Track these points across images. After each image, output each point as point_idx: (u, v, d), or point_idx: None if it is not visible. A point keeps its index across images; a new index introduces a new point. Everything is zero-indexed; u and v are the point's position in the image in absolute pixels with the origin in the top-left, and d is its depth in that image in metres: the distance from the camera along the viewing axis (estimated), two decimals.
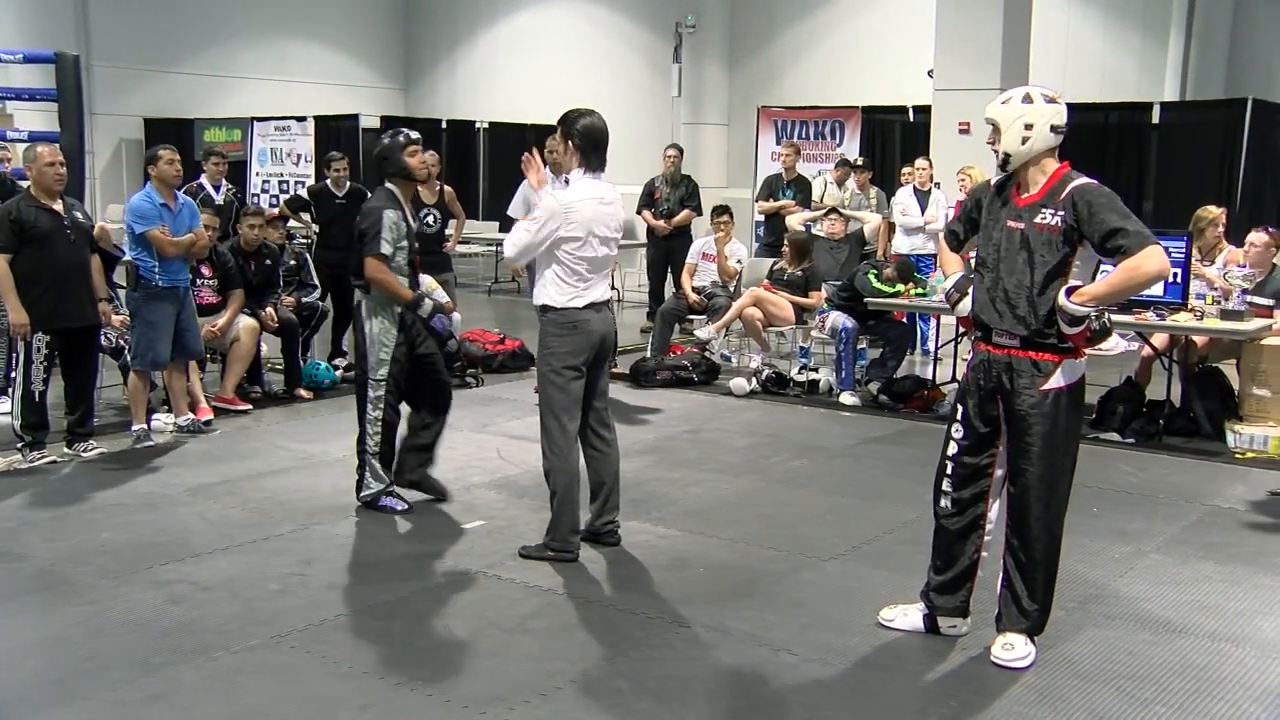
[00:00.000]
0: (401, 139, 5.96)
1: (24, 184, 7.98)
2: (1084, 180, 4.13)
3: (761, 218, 12.79)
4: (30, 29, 16.48)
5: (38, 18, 17.28)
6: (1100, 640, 4.47)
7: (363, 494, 5.89)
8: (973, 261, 4.43)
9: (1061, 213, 4.08)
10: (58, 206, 6.73)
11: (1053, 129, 4.11)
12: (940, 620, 4.48)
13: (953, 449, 4.39)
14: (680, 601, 4.80)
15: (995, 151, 4.20)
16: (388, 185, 5.93)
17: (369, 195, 9.98)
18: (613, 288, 5.59)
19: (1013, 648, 4.23)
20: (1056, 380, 4.15)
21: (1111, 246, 4.02)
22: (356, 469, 5.91)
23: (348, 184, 9.79)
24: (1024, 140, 4.09)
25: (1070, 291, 4.09)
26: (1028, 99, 4.14)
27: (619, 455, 5.44)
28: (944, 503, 4.40)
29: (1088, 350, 4.23)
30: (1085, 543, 5.57)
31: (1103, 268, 4.28)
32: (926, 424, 8.14)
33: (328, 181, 9.88)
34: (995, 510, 4.37)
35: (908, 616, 4.55)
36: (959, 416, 4.37)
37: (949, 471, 4.39)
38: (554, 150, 9.45)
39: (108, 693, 3.91)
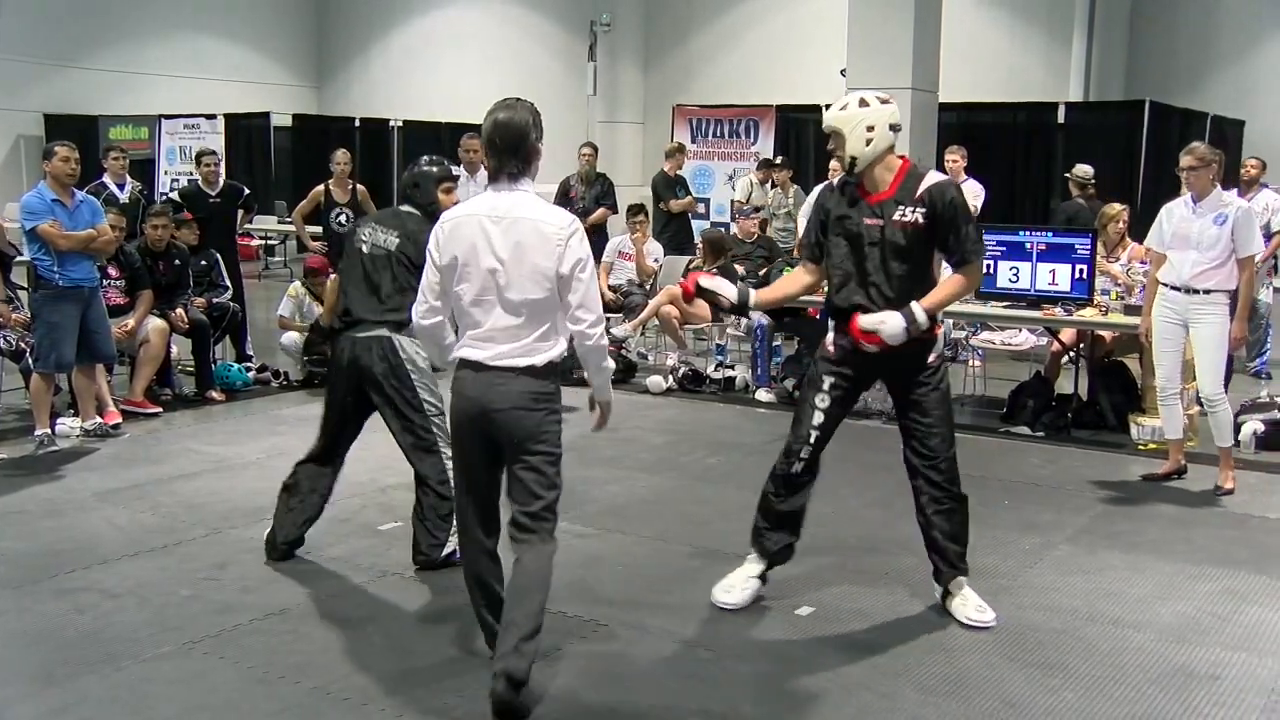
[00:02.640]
0: (437, 171, 5.18)
1: None
2: (938, 178, 4.41)
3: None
4: None
5: None
6: (1009, 630, 4.56)
7: (446, 551, 5.00)
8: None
9: (921, 209, 4.34)
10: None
11: (891, 127, 4.36)
12: (768, 575, 4.79)
13: (818, 418, 4.65)
14: (597, 600, 4.80)
15: (839, 157, 4.41)
16: (413, 211, 5.11)
17: (244, 191, 9.95)
18: (560, 367, 3.87)
19: (984, 609, 4.58)
20: (937, 349, 4.58)
21: (955, 249, 4.36)
22: (430, 530, 5.03)
23: (220, 181, 9.72)
24: (868, 142, 4.31)
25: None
26: (864, 103, 4.38)
27: (537, 571, 3.76)
28: (796, 467, 4.70)
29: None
30: (997, 535, 5.68)
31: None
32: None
33: (198, 180, 9.77)
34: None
35: (745, 590, 4.74)
36: (826, 388, 4.62)
37: (811, 440, 4.67)
38: (470, 149, 9.50)
39: (8, 708, 3.81)
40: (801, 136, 14.92)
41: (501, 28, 20.58)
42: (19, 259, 8.01)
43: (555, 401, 3.81)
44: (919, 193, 4.35)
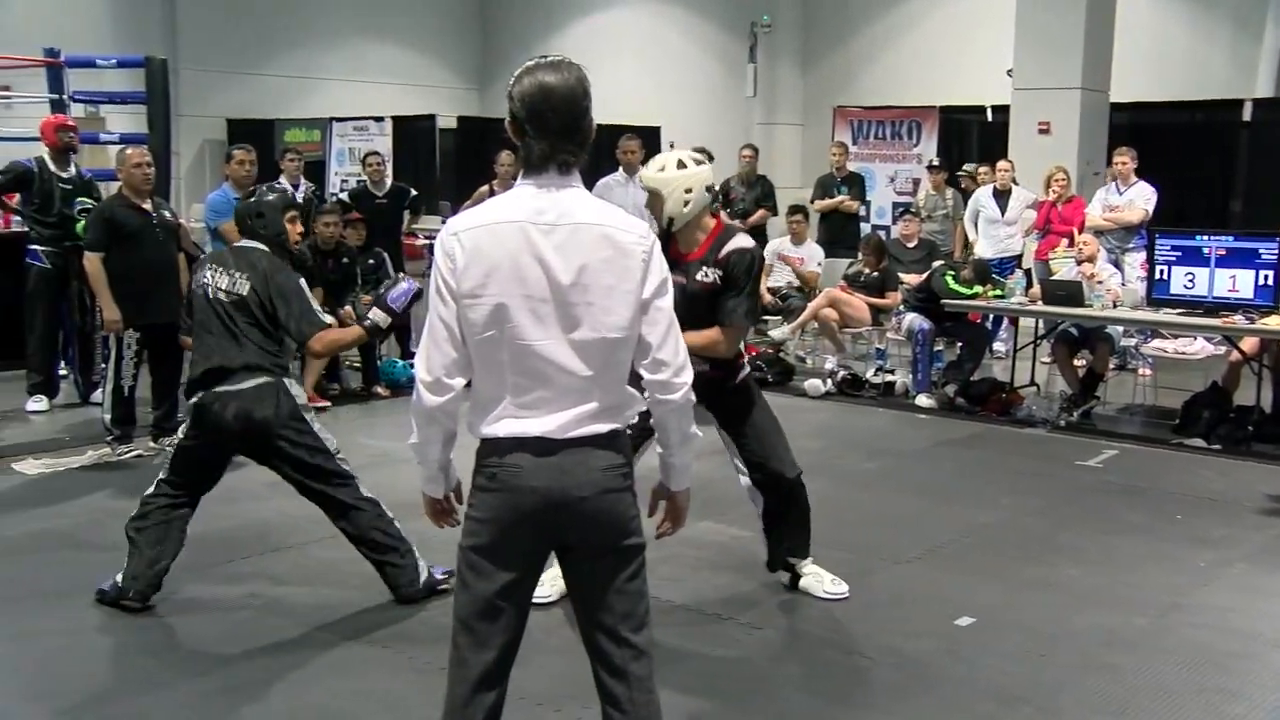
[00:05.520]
0: (279, 199, 4.94)
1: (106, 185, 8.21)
2: (741, 243, 4.48)
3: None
4: (122, 35, 16.82)
5: (129, 24, 17.66)
6: (1181, 651, 4.37)
7: (424, 578, 4.77)
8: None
9: (718, 272, 4.45)
10: (147, 205, 6.90)
11: (707, 189, 4.43)
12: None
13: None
14: (753, 602, 4.78)
15: (656, 218, 4.43)
16: (257, 246, 4.79)
17: (411, 192, 10.13)
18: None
19: (837, 581, 4.84)
20: (743, 373, 4.78)
21: (721, 309, 4.48)
22: (396, 569, 4.73)
23: (388, 182, 9.92)
24: (685, 204, 4.37)
25: None
26: (681, 164, 4.39)
27: None
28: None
29: None
30: (1166, 549, 5.46)
31: None
32: (1003, 427, 8.04)
33: (366, 181, 9.97)
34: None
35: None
36: None
37: None
38: (628, 150, 9.56)
39: (184, 685, 3.99)
40: (965, 138, 14.58)
41: (662, 29, 20.65)
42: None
43: (632, 478, 2.72)
44: (720, 255, 4.44)
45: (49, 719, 3.76)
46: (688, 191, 4.34)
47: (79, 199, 7.93)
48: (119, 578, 4.61)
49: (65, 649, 4.27)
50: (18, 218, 8.55)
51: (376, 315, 4.78)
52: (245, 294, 4.59)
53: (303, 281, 4.74)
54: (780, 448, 4.74)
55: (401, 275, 5.24)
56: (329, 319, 4.79)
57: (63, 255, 7.93)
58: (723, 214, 11.58)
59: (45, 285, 8.01)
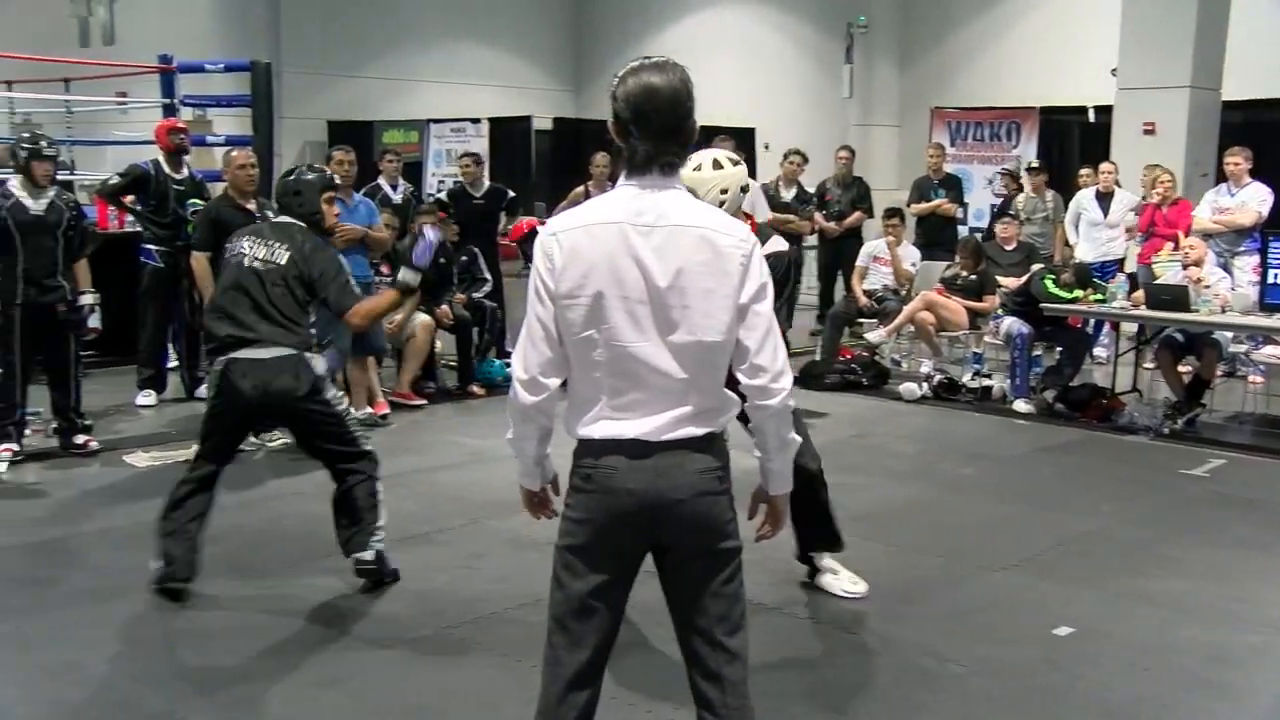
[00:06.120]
0: (318, 179, 5.00)
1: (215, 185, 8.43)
2: (774, 247, 4.62)
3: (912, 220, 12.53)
4: (228, 40, 17.27)
5: (235, 30, 18.13)
6: None
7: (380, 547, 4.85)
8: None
9: None
10: (251, 206, 7.07)
11: (742, 189, 4.39)
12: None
13: None
14: (845, 608, 4.74)
15: None
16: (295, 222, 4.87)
17: (509, 194, 10.16)
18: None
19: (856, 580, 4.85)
20: None
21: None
22: (367, 522, 4.81)
23: (486, 183, 9.95)
24: (721, 204, 4.24)
25: None
26: (717, 164, 4.33)
27: None
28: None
29: None
30: (1276, 564, 5.29)
31: None
32: (1103, 434, 7.86)
33: (463, 182, 9.99)
34: None
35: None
36: None
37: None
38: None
39: (288, 675, 4.08)
40: (1066, 139, 14.30)
41: (758, 30, 20.60)
42: None
43: (729, 481, 2.70)
44: None
45: (162, 702, 3.86)
46: (723, 192, 4.30)
47: (191, 200, 8.16)
48: (159, 563, 4.67)
49: (176, 636, 4.40)
50: (130, 217, 8.80)
51: (405, 274, 4.91)
52: (283, 264, 4.66)
53: (341, 257, 4.89)
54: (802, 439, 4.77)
55: (422, 231, 5.28)
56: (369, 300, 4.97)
57: (175, 254, 8.15)
58: (818, 215, 11.65)
59: (158, 283, 8.24)
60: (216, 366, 4.64)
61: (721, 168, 4.36)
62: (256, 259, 4.68)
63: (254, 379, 4.54)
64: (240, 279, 4.67)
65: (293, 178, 4.93)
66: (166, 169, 8.21)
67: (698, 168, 4.42)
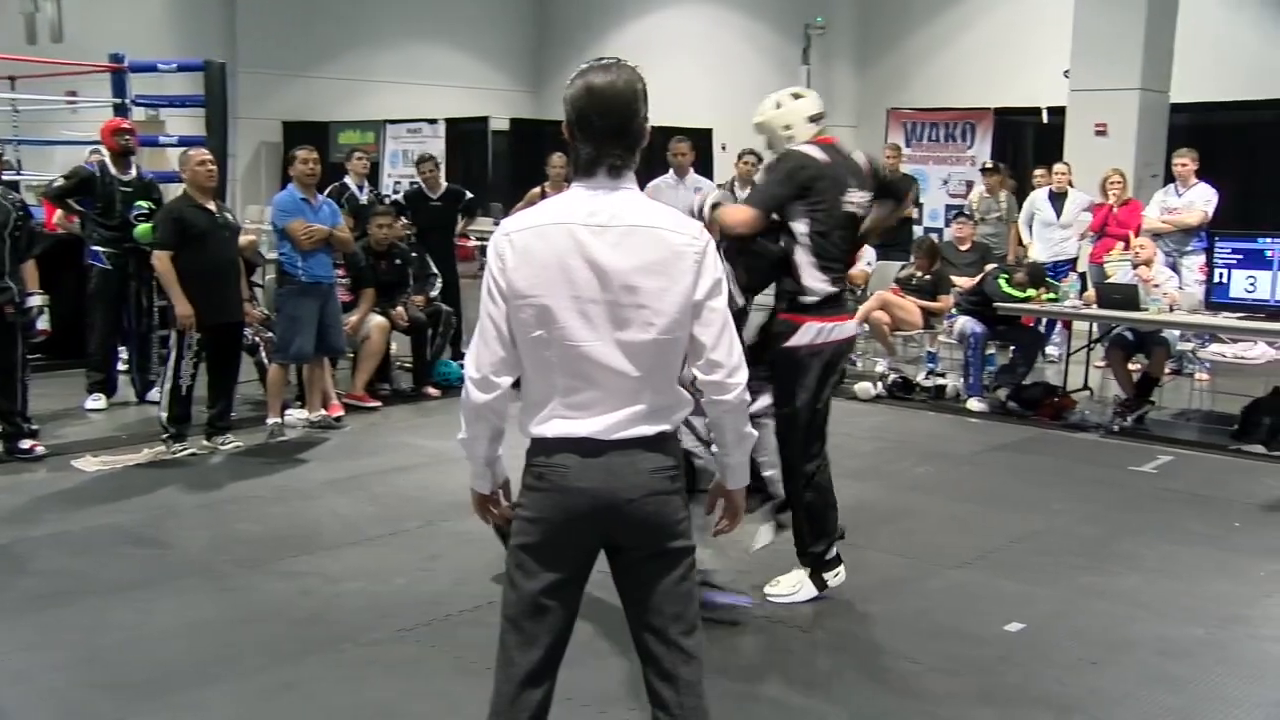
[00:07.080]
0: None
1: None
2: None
3: None
4: (183, 39, 17.09)
5: (189, 28, 17.93)
6: (1245, 664, 4.29)
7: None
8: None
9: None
10: (212, 206, 7.01)
11: (810, 119, 4.80)
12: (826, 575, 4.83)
13: (821, 417, 4.76)
14: (802, 609, 4.75)
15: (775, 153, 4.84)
16: None
17: (466, 195, 10.10)
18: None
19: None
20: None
21: None
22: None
23: (443, 185, 9.91)
24: (789, 139, 4.77)
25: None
26: (779, 105, 4.83)
27: None
28: (812, 465, 4.76)
29: None
30: (1226, 558, 5.37)
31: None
32: (1056, 431, 7.95)
33: (420, 184, 9.93)
34: None
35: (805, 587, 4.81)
36: (818, 384, 4.69)
37: (822, 434, 4.79)
38: (679, 153, 9.58)
39: (243, 679, 4.04)
40: (1020, 140, 14.44)
41: (715, 31, 20.64)
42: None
43: (682, 480, 2.69)
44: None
45: (112, 709, 3.81)
46: (786, 128, 4.77)
47: (138, 202, 8.07)
48: None
49: (127, 642, 4.34)
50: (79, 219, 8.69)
51: None
52: None
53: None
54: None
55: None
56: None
57: (123, 256, 8.06)
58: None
59: (106, 286, 8.14)
60: None
61: (781, 107, 4.82)
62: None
63: None
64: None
65: None
66: (113, 170, 8.11)
67: (763, 111, 4.85)
